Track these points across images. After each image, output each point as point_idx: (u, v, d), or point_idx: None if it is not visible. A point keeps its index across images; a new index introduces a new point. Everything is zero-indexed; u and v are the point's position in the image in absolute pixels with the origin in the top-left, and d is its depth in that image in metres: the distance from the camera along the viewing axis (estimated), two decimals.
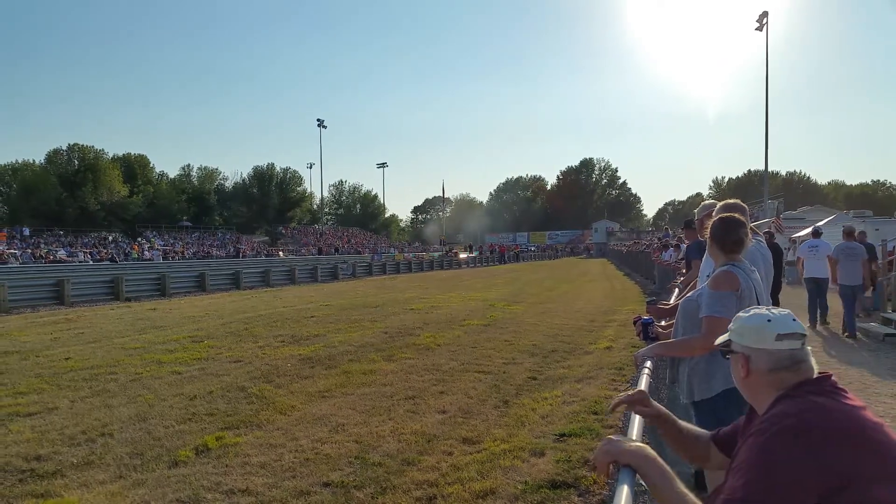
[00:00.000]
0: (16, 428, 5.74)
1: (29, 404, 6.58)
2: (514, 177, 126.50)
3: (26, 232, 43.96)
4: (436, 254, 59.18)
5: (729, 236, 2.93)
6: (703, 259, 3.69)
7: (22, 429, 5.72)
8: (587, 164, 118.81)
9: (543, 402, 6.41)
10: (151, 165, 71.42)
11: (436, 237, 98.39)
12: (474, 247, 78.99)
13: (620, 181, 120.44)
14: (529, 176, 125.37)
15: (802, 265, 11.20)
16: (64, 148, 61.70)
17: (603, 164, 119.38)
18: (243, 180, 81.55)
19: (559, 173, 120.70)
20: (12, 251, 35.99)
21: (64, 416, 6.14)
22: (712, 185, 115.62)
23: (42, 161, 61.53)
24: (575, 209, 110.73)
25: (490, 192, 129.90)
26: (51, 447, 5.16)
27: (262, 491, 4.21)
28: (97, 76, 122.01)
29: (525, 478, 4.33)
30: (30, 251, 37.31)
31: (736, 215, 3.05)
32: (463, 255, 59.03)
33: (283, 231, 74.05)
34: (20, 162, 62.17)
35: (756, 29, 38.92)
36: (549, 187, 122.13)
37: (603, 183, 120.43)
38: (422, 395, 6.77)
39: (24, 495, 4.20)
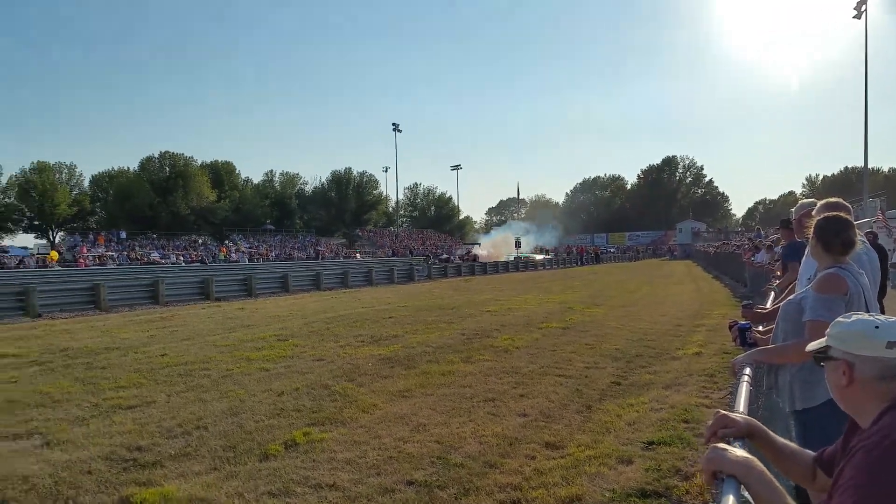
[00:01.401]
0: (119, 419, 6.12)
1: (129, 398, 6.99)
2: (592, 176, 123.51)
3: (123, 235, 46.82)
4: (511, 255, 58.70)
5: (838, 237, 2.74)
6: (803, 261, 3.49)
7: (124, 420, 6.08)
8: (670, 163, 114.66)
9: (629, 408, 6.23)
10: (237, 172, 74.75)
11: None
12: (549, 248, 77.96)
13: (706, 179, 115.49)
14: (608, 175, 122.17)
15: None
16: (156, 155, 65.48)
17: (687, 162, 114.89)
18: (322, 184, 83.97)
19: (640, 172, 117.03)
20: (110, 254, 38.48)
21: (161, 409, 6.49)
22: (805, 182, 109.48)
23: (136, 168, 65.49)
24: (657, 209, 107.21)
25: (566, 193, 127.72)
26: (150, 439, 5.47)
27: (349, 486, 4.29)
28: (189, 86, 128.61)
29: (612, 485, 4.21)
30: (126, 253, 39.66)
31: (842, 214, 2.85)
32: (539, 257, 58.33)
33: (360, 233, 75.65)
34: (116, 169, 66.48)
35: (854, 17, 36.69)
36: (628, 187, 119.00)
37: (687, 181, 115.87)
38: (501, 398, 6.72)
39: (129, 483, 4.46)
